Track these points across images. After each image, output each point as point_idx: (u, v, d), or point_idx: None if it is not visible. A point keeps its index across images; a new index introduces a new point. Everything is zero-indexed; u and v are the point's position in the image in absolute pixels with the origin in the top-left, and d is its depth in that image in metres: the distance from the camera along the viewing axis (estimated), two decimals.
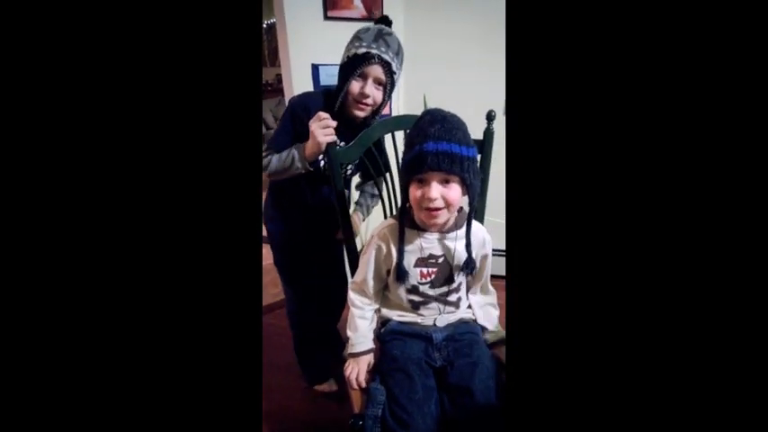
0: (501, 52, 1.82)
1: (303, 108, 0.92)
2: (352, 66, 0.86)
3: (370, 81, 0.87)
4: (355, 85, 0.87)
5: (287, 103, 1.00)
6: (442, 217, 0.70)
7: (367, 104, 0.89)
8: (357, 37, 0.87)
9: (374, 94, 0.88)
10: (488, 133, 0.94)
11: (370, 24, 0.91)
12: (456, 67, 1.68)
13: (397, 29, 1.66)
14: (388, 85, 0.89)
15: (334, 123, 0.85)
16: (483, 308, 0.87)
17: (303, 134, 0.88)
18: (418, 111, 1.00)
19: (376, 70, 0.86)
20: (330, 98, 0.93)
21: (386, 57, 0.84)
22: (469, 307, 0.87)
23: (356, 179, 1.11)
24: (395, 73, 0.88)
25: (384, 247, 0.78)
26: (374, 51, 0.84)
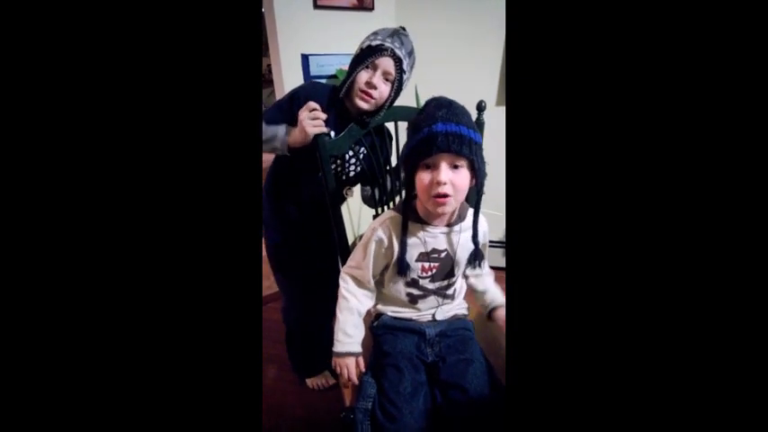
0: (492, 45, 1.81)
1: (305, 97, 0.90)
2: (364, 57, 0.86)
3: (378, 73, 0.86)
4: (363, 75, 0.86)
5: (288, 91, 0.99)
6: (450, 205, 0.68)
7: (372, 97, 0.87)
8: (374, 33, 0.87)
9: (381, 87, 0.87)
10: (478, 123, 0.94)
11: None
12: (447, 60, 1.67)
13: (389, 20, 1.65)
14: (395, 82, 0.88)
15: (324, 116, 0.84)
16: (479, 278, 0.87)
17: (295, 119, 0.87)
18: (410, 103, 1.00)
19: (386, 63, 0.85)
20: (336, 95, 0.92)
21: (398, 52, 0.84)
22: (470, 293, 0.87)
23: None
24: (405, 72, 0.87)
25: (386, 240, 0.76)
26: (388, 44, 0.84)
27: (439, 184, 0.64)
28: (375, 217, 0.98)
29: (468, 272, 0.85)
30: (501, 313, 0.83)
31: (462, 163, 0.65)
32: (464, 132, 0.63)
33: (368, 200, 1.08)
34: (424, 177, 0.66)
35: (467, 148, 0.63)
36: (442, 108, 0.65)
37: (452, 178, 0.65)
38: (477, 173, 0.67)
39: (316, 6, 1.46)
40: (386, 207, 1.05)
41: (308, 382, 1.32)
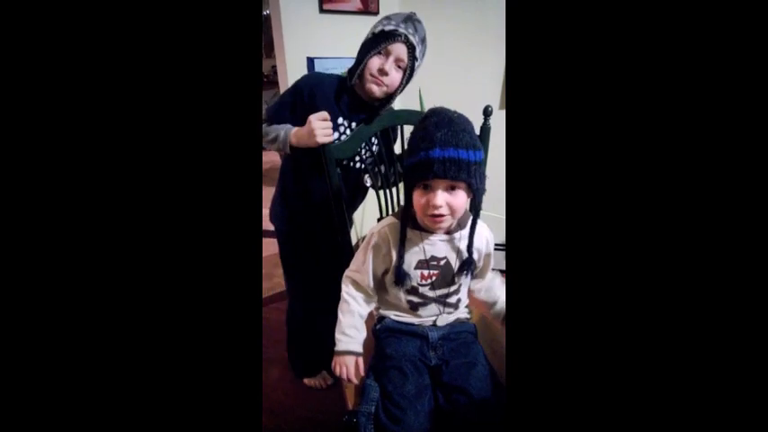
0: (496, 49, 1.81)
1: (309, 89, 0.90)
2: (376, 42, 0.84)
3: (391, 59, 0.84)
4: (376, 61, 0.85)
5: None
6: (446, 222, 0.69)
7: (384, 83, 0.86)
8: (386, 17, 0.85)
9: (393, 73, 0.86)
10: (485, 129, 0.93)
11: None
12: (451, 64, 1.67)
13: None
14: (407, 70, 0.86)
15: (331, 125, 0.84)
16: (488, 290, 0.84)
17: (299, 113, 0.86)
18: (414, 105, 1.00)
19: (400, 49, 0.84)
20: (344, 83, 0.91)
21: (412, 39, 0.83)
22: (469, 301, 0.86)
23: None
24: (417, 59, 0.85)
25: (383, 247, 0.76)
26: (401, 30, 0.82)
27: (434, 207, 0.64)
28: (380, 220, 0.98)
29: (471, 284, 0.85)
30: None
31: (460, 185, 0.65)
32: (462, 157, 0.61)
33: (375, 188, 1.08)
34: (420, 198, 0.66)
35: (464, 173, 0.62)
36: (441, 128, 0.62)
37: (448, 200, 0.65)
38: (475, 192, 0.67)
39: (321, 10, 1.47)
40: (391, 190, 1.03)
41: (306, 381, 1.32)
